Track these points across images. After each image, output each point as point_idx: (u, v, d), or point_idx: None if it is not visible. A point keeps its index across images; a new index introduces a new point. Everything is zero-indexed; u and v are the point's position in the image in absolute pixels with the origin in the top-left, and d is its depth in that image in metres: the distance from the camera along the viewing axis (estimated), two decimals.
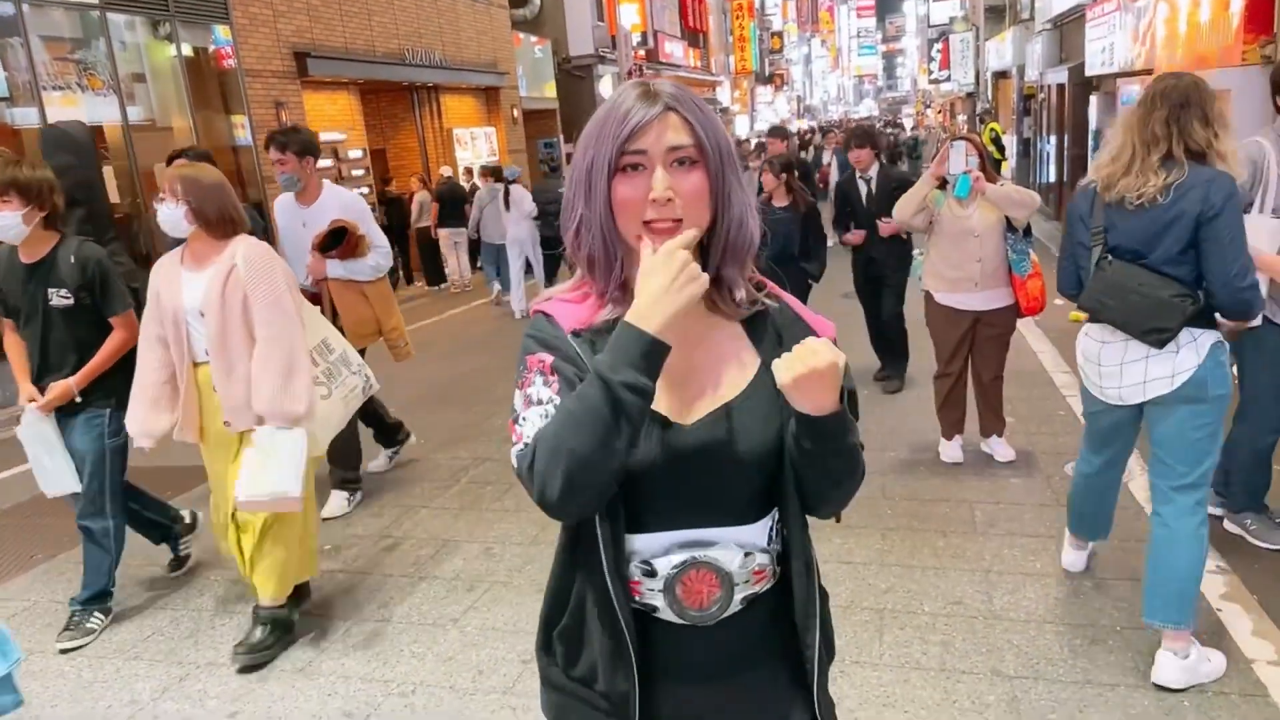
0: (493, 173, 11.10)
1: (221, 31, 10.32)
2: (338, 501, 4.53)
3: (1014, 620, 3.11)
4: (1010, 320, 4.48)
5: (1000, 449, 4.61)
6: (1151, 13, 9.82)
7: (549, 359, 1.19)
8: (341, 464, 4.55)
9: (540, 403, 1.16)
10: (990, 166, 4.45)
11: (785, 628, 1.30)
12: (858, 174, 5.96)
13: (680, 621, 1.23)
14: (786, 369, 1.11)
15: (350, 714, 2.88)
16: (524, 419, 1.17)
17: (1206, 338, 2.68)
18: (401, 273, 13.20)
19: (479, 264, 12.27)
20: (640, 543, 1.22)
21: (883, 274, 5.91)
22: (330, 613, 3.54)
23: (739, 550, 1.22)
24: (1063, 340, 6.42)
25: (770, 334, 1.26)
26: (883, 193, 5.67)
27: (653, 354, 1.09)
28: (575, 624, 1.28)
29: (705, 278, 1.13)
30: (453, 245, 12.44)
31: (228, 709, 2.96)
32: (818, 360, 1.09)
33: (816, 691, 1.32)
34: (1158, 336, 2.65)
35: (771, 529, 1.26)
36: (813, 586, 1.30)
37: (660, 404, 1.19)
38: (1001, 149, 12.71)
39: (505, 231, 10.34)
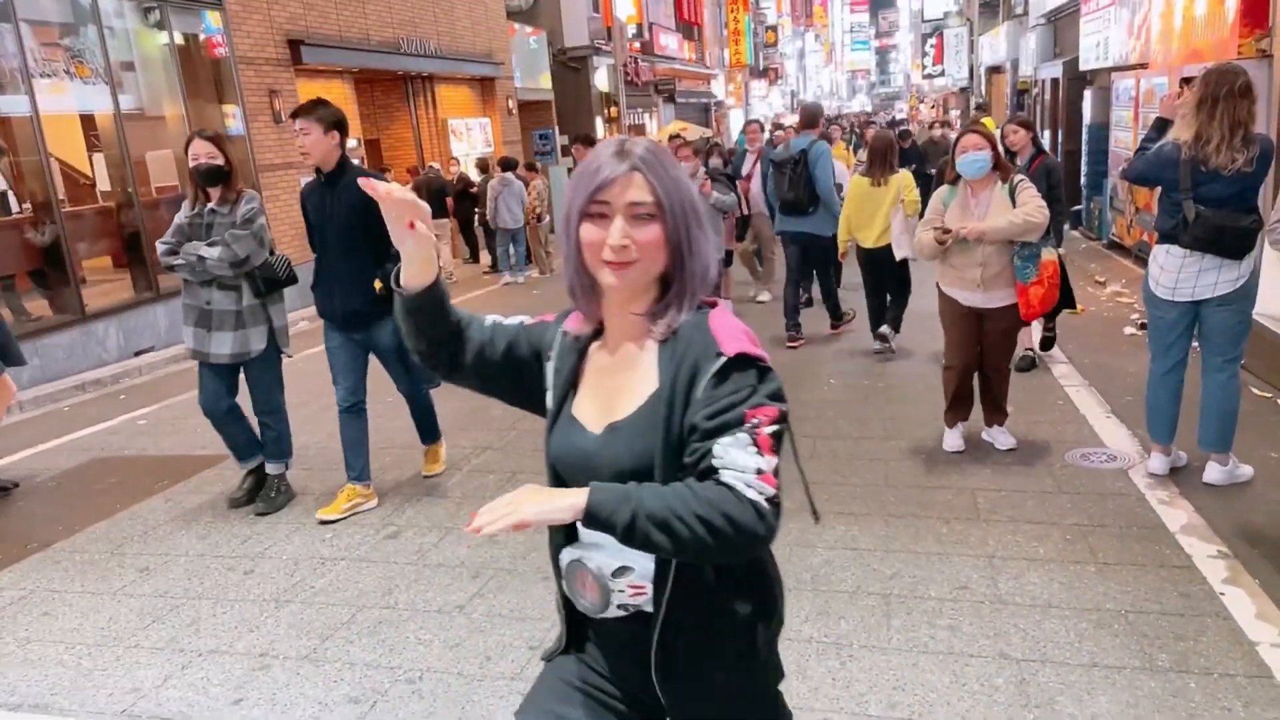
0: (503, 164, 12.35)
1: (213, 18, 10.20)
2: None
3: (1019, 605, 3.12)
4: (1014, 317, 4.45)
5: (1001, 438, 4.62)
6: (1147, 7, 9.83)
7: None
8: None
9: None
10: (1005, 160, 4.45)
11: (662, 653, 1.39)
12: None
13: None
14: (486, 521, 1.24)
15: (357, 700, 2.87)
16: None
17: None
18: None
19: (493, 249, 12.86)
20: (560, 536, 1.44)
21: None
22: (334, 600, 3.52)
23: (615, 562, 1.35)
24: (1061, 333, 6.43)
25: (677, 352, 1.33)
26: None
27: None
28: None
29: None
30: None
31: (231, 696, 2.94)
32: (508, 519, 1.23)
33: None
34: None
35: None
36: (699, 613, 1.37)
37: (585, 413, 1.41)
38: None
39: (519, 218, 11.98)
